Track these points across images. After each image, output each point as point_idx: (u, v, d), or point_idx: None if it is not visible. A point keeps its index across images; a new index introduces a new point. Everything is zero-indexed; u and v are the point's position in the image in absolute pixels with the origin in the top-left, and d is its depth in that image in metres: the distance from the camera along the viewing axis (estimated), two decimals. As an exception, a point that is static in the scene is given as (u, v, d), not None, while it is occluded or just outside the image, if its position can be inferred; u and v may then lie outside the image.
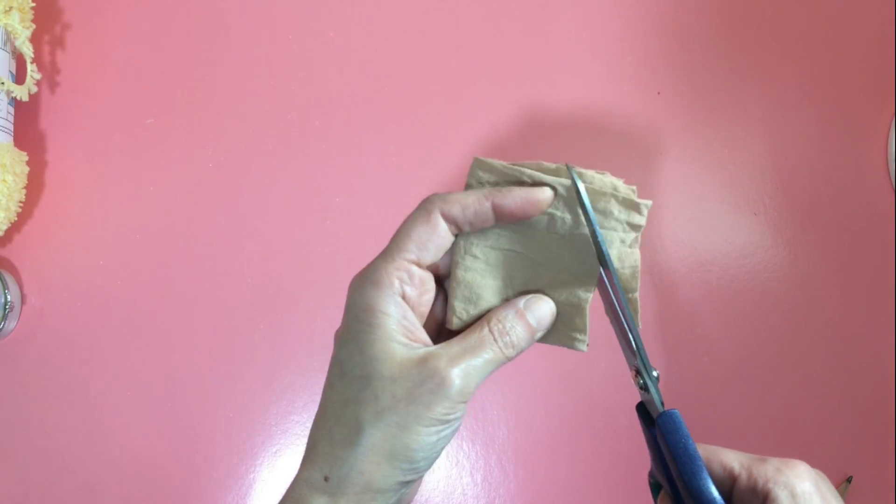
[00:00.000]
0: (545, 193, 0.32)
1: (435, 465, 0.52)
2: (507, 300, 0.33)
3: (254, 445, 0.53)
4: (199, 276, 0.55)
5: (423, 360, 0.30)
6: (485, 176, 0.33)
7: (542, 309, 0.33)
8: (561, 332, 0.33)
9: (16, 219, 0.54)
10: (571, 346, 0.33)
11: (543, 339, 0.33)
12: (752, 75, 0.56)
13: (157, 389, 0.54)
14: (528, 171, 0.32)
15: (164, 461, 0.53)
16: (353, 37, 0.58)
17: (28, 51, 0.53)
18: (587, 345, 0.32)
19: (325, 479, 0.31)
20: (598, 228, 0.31)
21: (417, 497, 0.52)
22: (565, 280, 0.33)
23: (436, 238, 0.32)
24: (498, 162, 0.32)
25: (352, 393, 0.31)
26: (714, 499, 0.30)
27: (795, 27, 0.57)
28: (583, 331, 0.32)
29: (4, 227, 0.52)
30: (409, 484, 0.32)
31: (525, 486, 0.52)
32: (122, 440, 0.53)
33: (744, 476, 0.30)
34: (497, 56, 0.57)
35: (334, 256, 0.55)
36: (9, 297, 0.53)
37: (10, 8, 0.52)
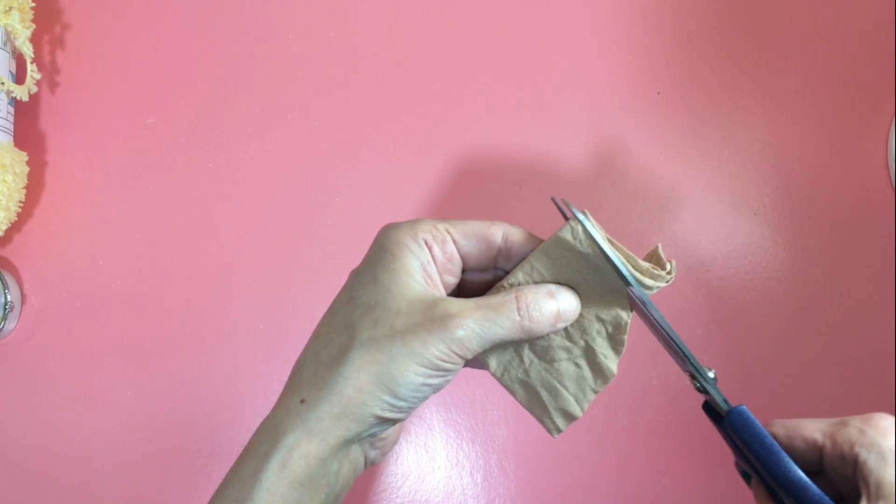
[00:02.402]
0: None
1: (435, 465, 0.52)
2: None
3: (254, 445, 0.53)
4: (199, 275, 0.55)
5: (434, 303, 0.30)
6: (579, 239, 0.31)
7: (571, 300, 0.32)
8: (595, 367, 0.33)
9: (16, 219, 0.54)
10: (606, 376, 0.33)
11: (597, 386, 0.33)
12: (752, 75, 0.56)
13: (157, 389, 0.54)
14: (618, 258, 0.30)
15: (164, 461, 0.53)
16: (353, 37, 0.58)
17: (28, 51, 0.53)
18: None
19: (302, 401, 0.30)
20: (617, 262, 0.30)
21: (418, 497, 0.52)
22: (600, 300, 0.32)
23: (485, 237, 0.32)
24: (598, 233, 0.30)
25: (352, 318, 0.30)
26: (804, 483, 0.29)
27: (795, 27, 0.57)
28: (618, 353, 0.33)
29: (4, 227, 0.52)
30: (383, 425, 0.31)
31: (525, 486, 0.52)
32: (122, 440, 0.53)
33: (828, 445, 0.29)
34: (497, 56, 0.57)
35: (334, 256, 0.55)
36: (9, 297, 0.53)
37: (10, 8, 0.52)
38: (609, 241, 0.31)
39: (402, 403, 0.30)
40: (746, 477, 0.33)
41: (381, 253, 0.31)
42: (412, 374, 0.29)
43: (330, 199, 0.56)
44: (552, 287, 0.32)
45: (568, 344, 0.32)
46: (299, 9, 0.58)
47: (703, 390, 0.32)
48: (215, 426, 0.53)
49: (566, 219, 0.32)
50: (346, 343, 0.30)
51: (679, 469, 0.52)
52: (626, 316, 0.31)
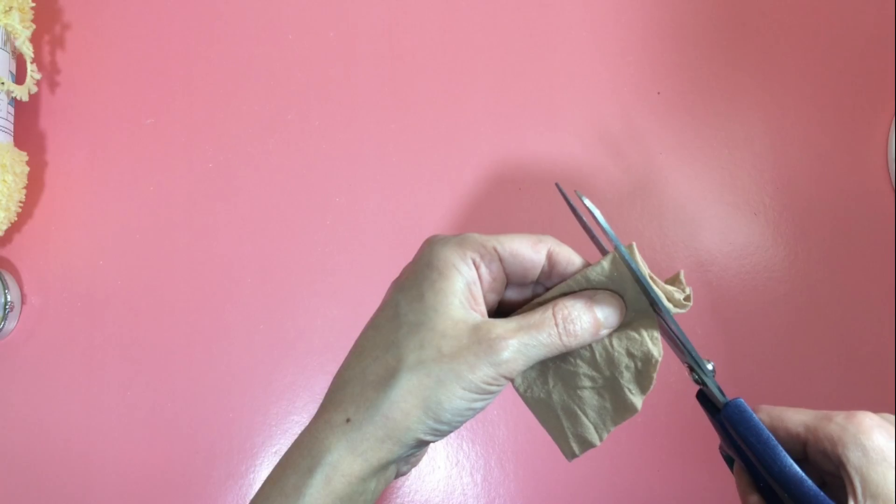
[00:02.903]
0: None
1: (435, 465, 0.52)
2: None
3: (254, 445, 0.53)
4: (199, 276, 0.55)
5: (478, 326, 0.30)
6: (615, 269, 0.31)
7: (612, 305, 0.31)
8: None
9: (16, 219, 0.54)
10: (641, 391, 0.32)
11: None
12: (751, 75, 0.56)
13: (156, 389, 0.54)
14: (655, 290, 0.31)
15: (164, 461, 0.53)
16: (353, 37, 0.58)
17: (28, 51, 0.53)
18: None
19: (347, 420, 0.30)
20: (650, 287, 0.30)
21: (418, 497, 0.52)
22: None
23: (530, 256, 0.32)
24: (641, 267, 0.31)
25: (398, 336, 0.30)
26: (800, 478, 0.29)
27: (795, 27, 0.57)
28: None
29: (4, 227, 0.52)
30: (423, 446, 0.31)
31: (525, 486, 0.52)
32: (122, 440, 0.53)
33: (811, 439, 0.30)
34: (497, 56, 0.57)
35: (334, 256, 0.55)
36: (9, 297, 0.53)
37: (10, 8, 0.52)
38: (651, 277, 0.31)
39: (444, 427, 0.30)
40: (729, 461, 0.33)
41: (427, 271, 0.31)
42: (458, 398, 0.29)
43: (330, 199, 0.56)
44: (590, 293, 0.31)
45: (594, 374, 0.32)
46: (299, 9, 0.58)
47: (700, 382, 0.32)
48: (215, 426, 0.53)
49: (575, 214, 0.32)
50: (394, 364, 0.30)
51: (678, 468, 0.52)
52: (658, 354, 0.31)
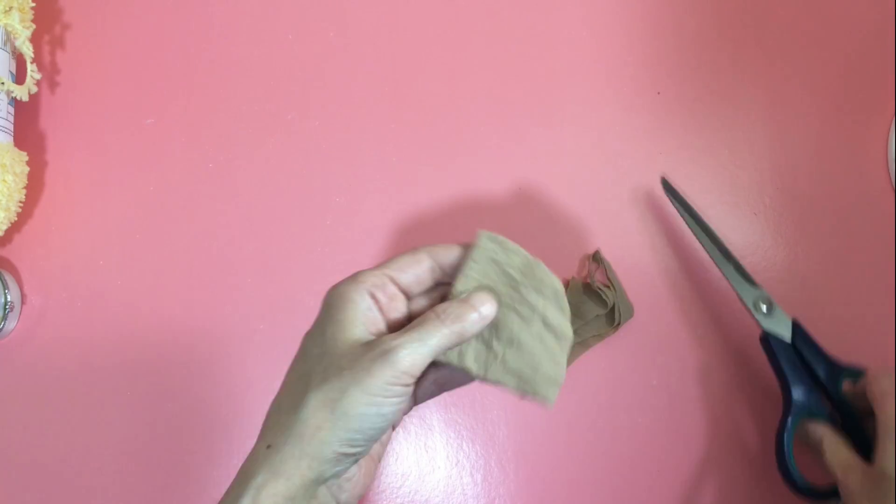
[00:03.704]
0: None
1: (435, 465, 0.52)
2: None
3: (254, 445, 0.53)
4: (199, 276, 0.55)
5: (376, 342, 0.33)
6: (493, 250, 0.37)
7: (485, 299, 0.35)
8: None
9: (16, 219, 0.54)
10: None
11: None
12: (752, 75, 0.56)
13: (156, 389, 0.54)
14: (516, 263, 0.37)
15: (164, 461, 0.53)
16: (353, 37, 0.58)
17: (28, 51, 0.53)
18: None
19: (268, 446, 0.32)
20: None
21: (418, 497, 0.52)
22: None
23: (416, 267, 0.36)
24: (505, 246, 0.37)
25: (306, 369, 0.34)
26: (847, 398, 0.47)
27: (796, 27, 0.57)
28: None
29: (4, 227, 0.52)
30: (344, 462, 0.33)
31: (525, 486, 0.52)
32: (122, 440, 0.53)
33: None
34: (497, 56, 0.57)
35: (334, 256, 0.55)
36: (9, 297, 0.53)
37: (10, 8, 0.52)
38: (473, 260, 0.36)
39: (358, 437, 0.32)
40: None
41: (326, 310, 0.35)
42: (364, 404, 0.31)
43: (330, 199, 0.56)
44: (460, 297, 0.36)
45: (526, 326, 0.36)
46: (299, 9, 0.58)
47: (766, 312, 0.46)
48: (215, 426, 0.53)
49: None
50: (303, 390, 0.33)
51: (679, 469, 0.52)
52: (559, 283, 0.37)
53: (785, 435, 0.46)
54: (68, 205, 0.56)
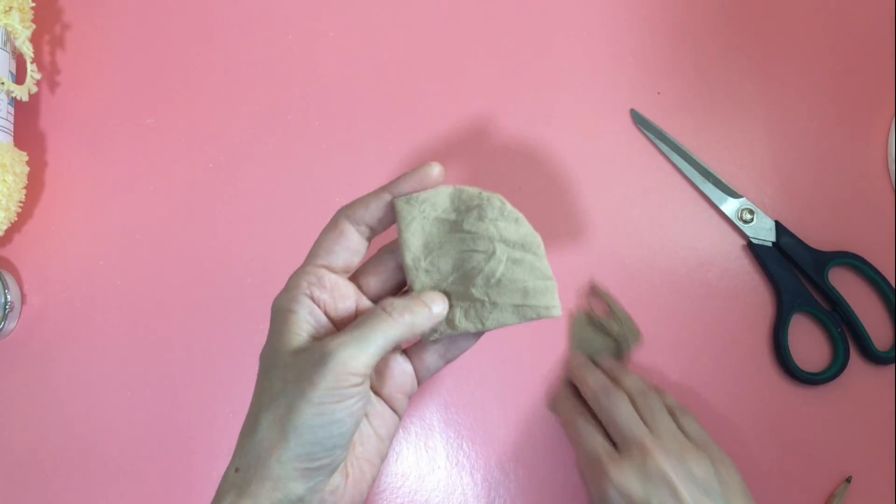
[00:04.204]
0: (434, 169, 0.34)
1: (435, 465, 0.52)
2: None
3: (254, 445, 0.53)
4: (199, 276, 0.55)
5: (318, 345, 0.31)
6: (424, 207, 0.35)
7: (436, 298, 0.34)
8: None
9: (16, 219, 0.54)
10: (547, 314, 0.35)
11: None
12: (752, 75, 0.56)
13: (156, 389, 0.54)
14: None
15: (164, 461, 0.53)
16: (353, 37, 0.58)
17: (28, 51, 0.53)
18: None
19: (236, 470, 0.32)
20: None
21: (418, 497, 0.52)
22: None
23: (343, 241, 0.34)
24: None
25: (259, 387, 0.33)
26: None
27: (795, 27, 0.57)
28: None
29: (4, 227, 0.52)
30: (319, 474, 0.31)
31: (525, 486, 0.52)
32: (122, 440, 0.53)
33: None
34: (497, 56, 0.57)
35: (334, 256, 0.55)
36: (9, 297, 0.53)
37: (10, 8, 0.52)
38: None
39: (316, 449, 0.30)
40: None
41: (271, 326, 0.34)
42: (312, 415, 0.30)
43: (330, 199, 0.56)
44: (412, 293, 0.34)
45: (493, 258, 0.34)
46: (299, 9, 0.58)
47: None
48: (215, 426, 0.53)
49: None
50: (256, 410, 0.32)
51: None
52: (494, 196, 0.35)
53: (780, 331, 0.51)
54: (68, 205, 0.56)
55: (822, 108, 0.55)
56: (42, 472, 0.53)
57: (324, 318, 0.33)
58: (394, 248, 0.36)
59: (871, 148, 0.55)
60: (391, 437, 0.36)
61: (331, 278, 0.34)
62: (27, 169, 0.55)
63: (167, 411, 0.53)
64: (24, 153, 0.55)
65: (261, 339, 0.54)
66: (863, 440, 0.51)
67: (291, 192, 0.56)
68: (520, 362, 0.53)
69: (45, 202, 0.57)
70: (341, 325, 0.34)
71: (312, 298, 0.33)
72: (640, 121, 0.55)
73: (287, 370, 0.31)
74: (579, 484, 0.51)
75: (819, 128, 0.55)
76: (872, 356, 0.51)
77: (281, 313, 0.33)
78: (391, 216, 0.35)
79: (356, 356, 0.30)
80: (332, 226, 0.35)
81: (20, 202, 0.54)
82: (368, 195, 0.34)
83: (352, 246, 0.34)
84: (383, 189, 0.34)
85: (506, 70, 0.57)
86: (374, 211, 0.34)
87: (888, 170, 0.54)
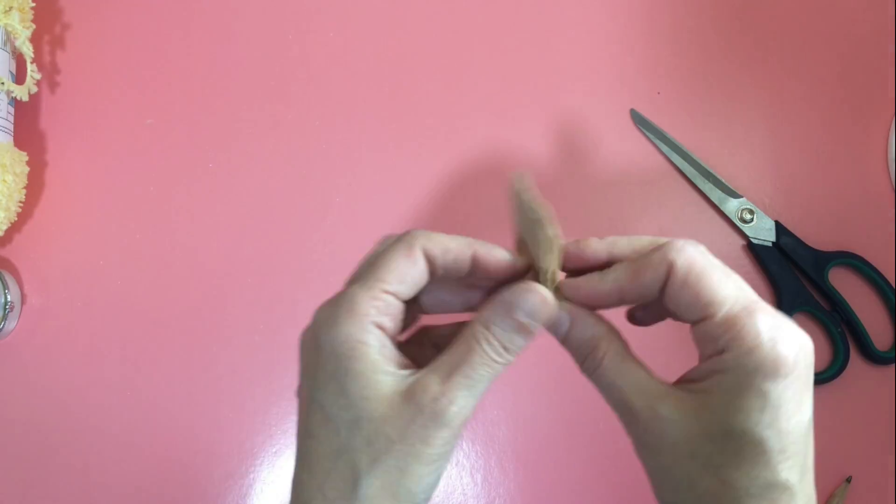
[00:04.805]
0: (515, 263, 0.29)
1: (435, 465, 0.52)
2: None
3: (254, 445, 0.53)
4: (199, 276, 0.55)
5: (413, 391, 0.27)
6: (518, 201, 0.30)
7: (533, 300, 0.28)
8: None
9: (16, 219, 0.54)
10: None
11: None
12: (751, 75, 0.56)
13: (156, 389, 0.54)
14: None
15: (164, 461, 0.53)
16: (353, 37, 0.58)
17: (28, 51, 0.53)
18: None
19: None
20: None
21: (417, 497, 0.52)
22: None
23: (415, 273, 0.28)
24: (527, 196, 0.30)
25: (341, 441, 0.27)
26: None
27: (796, 27, 0.57)
28: None
29: (4, 227, 0.52)
30: None
31: (525, 486, 0.52)
32: (122, 440, 0.53)
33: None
34: (497, 56, 0.57)
35: (334, 256, 0.55)
36: (9, 297, 0.53)
37: (10, 8, 0.52)
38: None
39: (421, 500, 0.28)
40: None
41: (336, 360, 0.27)
42: (426, 476, 0.27)
43: (330, 199, 0.56)
44: (506, 298, 0.28)
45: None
46: (299, 9, 0.58)
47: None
48: (215, 426, 0.53)
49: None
50: (350, 473, 0.27)
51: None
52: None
53: None
54: (68, 205, 0.56)
55: (822, 109, 0.55)
56: (42, 471, 0.53)
57: (394, 349, 0.28)
58: (431, 252, 0.30)
59: (871, 148, 0.55)
60: None
61: (394, 305, 0.28)
62: (27, 169, 0.55)
63: (167, 411, 0.53)
64: (24, 153, 0.55)
65: (261, 338, 0.55)
66: (863, 440, 0.51)
67: (291, 192, 0.56)
68: (520, 362, 0.53)
69: (45, 202, 0.56)
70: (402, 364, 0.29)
71: (381, 328, 0.28)
72: (640, 121, 0.55)
73: (388, 425, 0.26)
74: (579, 484, 0.51)
75: (819, 128, 0.55)
76: (872, 356, 0.51)
77: (350, 347, 0.27)
78: (459, 273, 0.29)
79: (467, 405, 0.27)
80: (407, 251, 0.28)
81: (20, 202, 0.54)
82: (454, 241, 0.29)
83: (421, 280, 0.29)
84: (468, 245, 0.29)
85: (506, 70, 0.57)
86: (450, 260, 0.29)
87: (888, 170, 0.54)
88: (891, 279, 0.52)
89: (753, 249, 0.52)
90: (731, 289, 0.27)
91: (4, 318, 0.53)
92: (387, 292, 0.28)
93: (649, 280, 0.28)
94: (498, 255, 0.29)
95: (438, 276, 0.29)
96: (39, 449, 0.54)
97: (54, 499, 0.53)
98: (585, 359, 0.29)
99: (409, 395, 0.27)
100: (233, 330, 0.54)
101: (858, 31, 0.56)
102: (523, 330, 0.28)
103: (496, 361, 0.28)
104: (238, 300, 0.54)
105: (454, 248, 0.29)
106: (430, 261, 0.29)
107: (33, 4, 0.55)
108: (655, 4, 0.57)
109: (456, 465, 0.52)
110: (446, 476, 0.52)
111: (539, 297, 0.28)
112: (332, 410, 0.27)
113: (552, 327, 0.29)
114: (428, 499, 0.28)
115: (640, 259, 0.28)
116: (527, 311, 0.28)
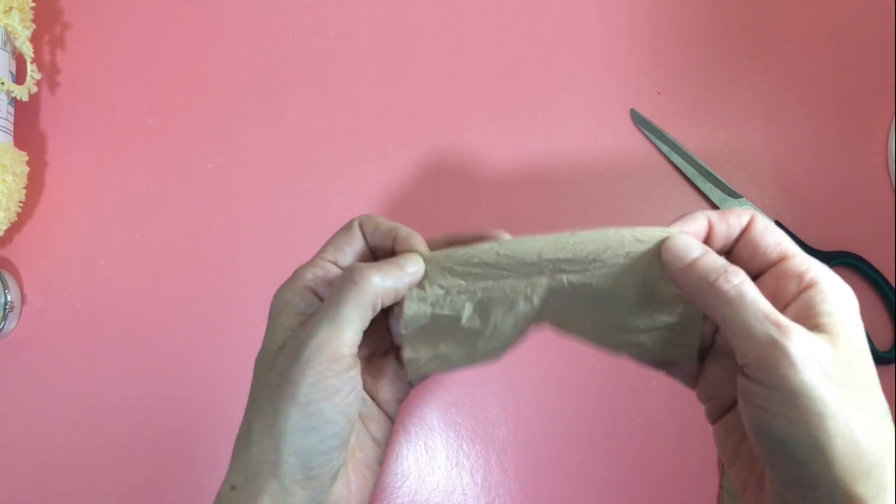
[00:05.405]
0: (414, 266, 0.31)
1: (435, 466, 0.52)
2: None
3: (254, 445, 0.53)
4: (200, 275, 0.55)
5: (290, 338, 0.29)
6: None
7: (410, 258, 0.31)
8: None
9: (16, 219, 0.54)
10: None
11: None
12: (752, 75, 0.56)
13: (156, 389, 0.54)
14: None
15: (164, 461, 0.53)
16: (353, 37, 0.58)
17: (28, 51, 0.53)
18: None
19: (232, 488, 0.29)
20: None
21: (418, 497, 0.52)
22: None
23: (354, 242, 0.33)
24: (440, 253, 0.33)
25: (253, 393, 0.30)
26: None
27: (795, 27, 0.57)
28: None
29: (4, 227, 0.52)
30: (319, 481, 0.29)
31: (525, 486, 0.52)
32: (122, 440, 0.53)
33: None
34: (497, 56, 0.57)
35: (334, 256, 0.55)
36: (9, 297, 0.53)
37: (10, 8, 0.52)
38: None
39: (313, 456, 0.28)
40: None
41: (269, 322, 0.31)
42: (300, 417, 0.27)
43: (330, 199, 0.56)
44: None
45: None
46: (299, 9, 0.58)
47: None
48: (215, 426, 0.53)
49: None
50: (247, 422, 0.30)
51: (678, 469, 0.52)
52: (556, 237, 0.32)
53: None
54: (68, 205, 0.56)
55: (822, 109, 0.55)
56: (42, 471, 0.53)
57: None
58: (367, 226, 0.34)
59: (871, 148, 0.55)
60: (387, 442, 0.34)
61: (337, 272, 0.31)
62: (27, 169, 0.55)
63: (168, 411, 0.53)
64: (24, 153, 0.55)
65: (261, 338, 0.55)
66: (863, 440, 0.51)
67: (291, 192, 0.56)
68: (520, 363, 0.53)
69: (45, 202, 0.57)
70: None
71: (316, 293, 0.31)
72: (640, 121, 0.55)
73: (272, 372, 0.29)
74: (579, 484, 0.51)
75: (819, 128, 0.55)
76: (873, 356, 0.51)
77: (280, 306, 0.31)
78: (385, 254, 0.33)
79: (332, 338, 0.28)
80: (346, 227, 0.33)
81: (20, 202, 0.54)
82: (383, 222, 0.33)
83: (359, 250, 0.33)
84: (393, 227, 0.33)
85: (506, 70, 0.57)
86: (377, 237, 0.33)
87: (888, 170, 0.54)
88: (891, 279, 0.52)
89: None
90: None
91: (4, 318, 0.53)
92: (325, 260, 0.32)
93: (733, 221, 0.31)
94: (411, 242, 0.32)
95: (373, 248, 0.33)
96: (39, 449, 0.54)
97: (54, 498, 0.53)
98: (724, 274, 0.28)
99: (294, 336, 0.29)
100: (233, 330, 0.54)
101: (858, 31, 0.56)
102: (394, 263, 0.31)
103: (356, 280, 0.29)
104: (238, 300, 0.54)
105: (383, 227, 0.33)
106: (364, 235, 0.33)
107: (33, 4, 0.55)
108: (655, 4, 0.57)
109: (456, 465, 0.52)
110: (446, 476, 0.52)
111: (420, 266, 0.32)
112: (256, 367, 0.31)
113: (680, 252, 0.30)
114: (324, 450, 0.28)
115: (724, 210, 0.31)
116: (406, 267, 0.31)
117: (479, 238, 0.32)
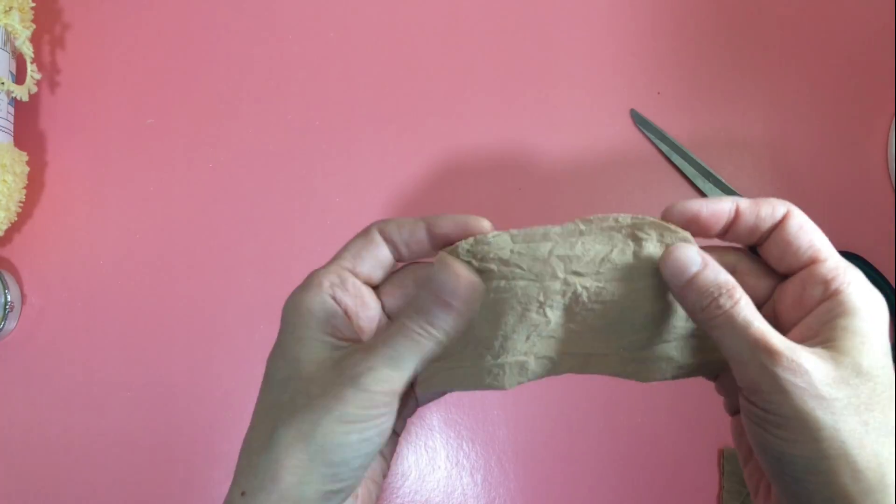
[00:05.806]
0: (482, 223, 0.30)
1: (435, 466, 0.52)
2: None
3: (254, 445, 0.53)
4: (199, 275, 0.55)
5: (341, 359, 0.29)
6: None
7: (443, 277, 0.29)
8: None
9: (16, 219, 0.54)
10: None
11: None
12: (752, 75, 0.56)
13: (156, 389, 0.54)
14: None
15: (164, 461, 0.53)
16: (353, 37, 0.58)
17: (28, 51, 0.53)
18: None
19: (242, 494, 0.28)
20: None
21: (418, 497, 0.52)
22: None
23: (372, 249, 0.31)
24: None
25: (272, 399, 0.29)
26: None
27: (795, 27, 0.57)
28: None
29: (4, 227, 0.52)
30: (339, 497, 0.29)
31: (525, 486, 0.52)
32: (122, 440, 0.53)
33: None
34: (497, 56, 0.57)
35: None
36: (9, 297, 0.53)
37: (10, 8, 0.52)
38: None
39: (341, 469, 0.28)
40: None
41: (284, 326, 0.31)
42: (340, 433, 0.27)
43: (330, 199, 0.56)
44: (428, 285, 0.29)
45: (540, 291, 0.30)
46: (299, 9, 0.58)
47: None
48: (215, 426, 0.53)
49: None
50: (272, 425, 0.29)
51: (678, 469, 0.52)
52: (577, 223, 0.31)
53: None
54: (68, 205, 0.56)
55: (821, 108, 0.55)
56: (42, 471, 0.53)
57: (345, 321, 0.31)
58: (420, 264, 0.33)
59: (871, 148, 0.55)
60: (392, 456, 0.34)
61: (355, 283, 0.31)
62: (27, 169, 0.55)
63: (168, 411, 0.53)
64: (24, 153, 0.55)
65: (261, 338, 0.55)
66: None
67: (291, 192, 0.56)
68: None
69: (45, 202, 0.57)
70: (361, 334, 0.31)
71: (335, 300, 0.30)
72: (640, 121, 0.55)
73: (312, 384, 0.28)
74: (579, 484, 0.51)
75: (819, 128, 0.55)
76: None
77: (299, 313, 0.30)
78: (421, 247, 0.32)
79: (390, 379, 0.28)
80: (363, 233, 0.32)
81: (20, 202, 0.54)
82: (405, 218, 0.32)
83: (379, 256, 0.31)
84: (421, 218, 0.32)
85: (506, 70, 0.57)
86: (405, 234, 0.31)
87: (888, 170, 0.54)
88: (891, 279, 0.52)
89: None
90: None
91: (4, 318, 0.53)
92: (343, 268, 0.31)
93: (765, 213, 0.30)
94: (450, 220, 0.31)
95: (402, 253, 0.32)
96: (39, 448, 0.53)
97: (54, 498, 0.53)
98: (716, 299, 0.28)
99: (336, 362, 0.29)
100: (233, 329, 0.54)
101: (858, 30, 0.56)
102: (442, 304, 0.28)
103: (419, 335, 0.28)
104: (238, 300, 0.54)
105: (407, 223, 0.31)
106: (389, 240, 0.31)
107: (33, 4, 0.55)
108: (656, 5, 0.57)
109: (456, 465, 0.52)
110: (446, 476, 0.52)
111: (451, 272, 0.29)
112: (271, 371, 0.30)
113: (681, 266, 0.29)
114: (350, 470, 0.28)
115: (758, 199, 0.30)
116: (440, 286, 0.29)
117: (458, 225, 0.31)
